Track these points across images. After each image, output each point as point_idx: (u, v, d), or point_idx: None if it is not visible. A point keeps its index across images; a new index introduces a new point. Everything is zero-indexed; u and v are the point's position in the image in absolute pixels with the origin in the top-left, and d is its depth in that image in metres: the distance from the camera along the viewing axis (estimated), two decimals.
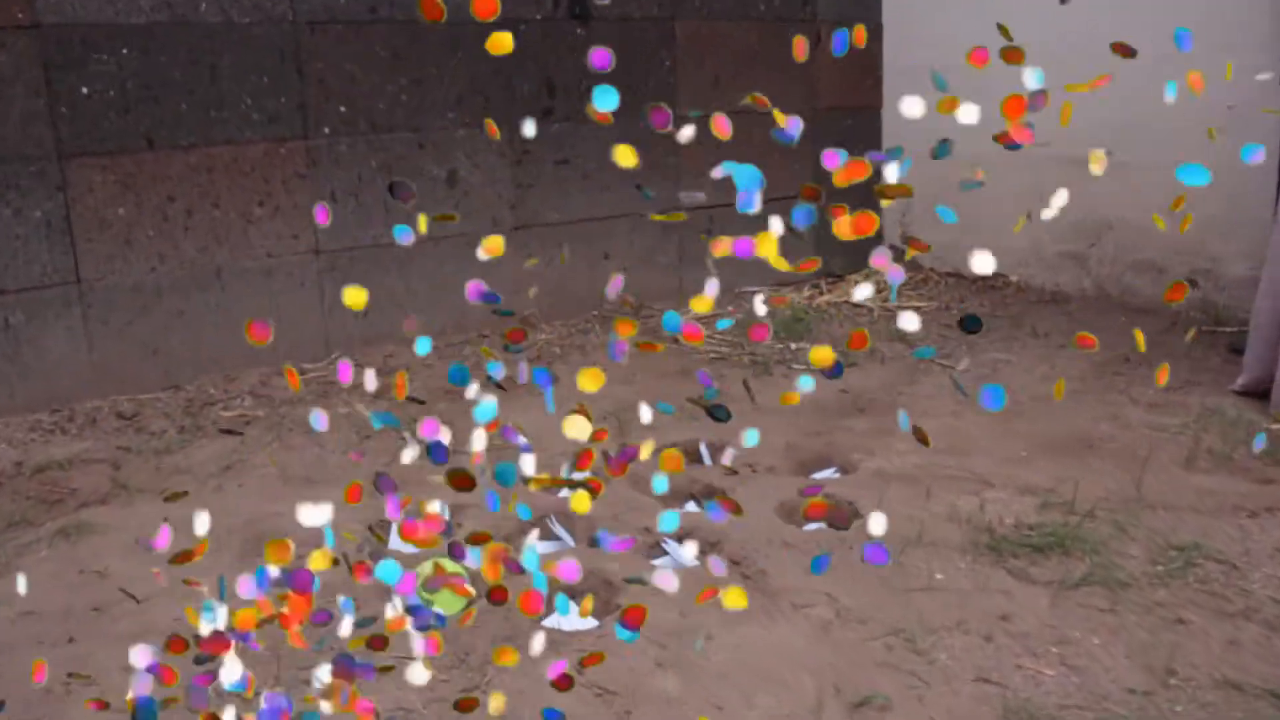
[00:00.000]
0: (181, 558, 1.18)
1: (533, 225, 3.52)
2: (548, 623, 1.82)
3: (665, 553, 2.08)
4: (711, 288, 1.05)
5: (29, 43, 2.68)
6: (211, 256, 2.99)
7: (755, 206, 1.01)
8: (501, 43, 1.02)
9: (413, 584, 1.21)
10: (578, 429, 1.07)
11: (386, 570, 1.13)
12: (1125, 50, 1.02)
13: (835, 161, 0.99)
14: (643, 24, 3.66)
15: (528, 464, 1.17)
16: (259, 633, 1.14)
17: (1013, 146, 1.02)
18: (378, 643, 1.18)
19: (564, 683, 1.19)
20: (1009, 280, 4.12)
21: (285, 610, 1.11)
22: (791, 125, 1.02)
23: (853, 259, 4.20)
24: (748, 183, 1.09)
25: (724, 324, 1.39)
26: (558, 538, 2.14)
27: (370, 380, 1.14)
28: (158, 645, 1.13)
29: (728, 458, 1.22)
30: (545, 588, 1.14)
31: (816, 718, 1.56)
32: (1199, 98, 1.09)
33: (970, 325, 1.12)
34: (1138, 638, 1.72)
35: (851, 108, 4.22)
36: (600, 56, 1.02)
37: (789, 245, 0.99)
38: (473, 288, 1.14)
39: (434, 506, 1.17)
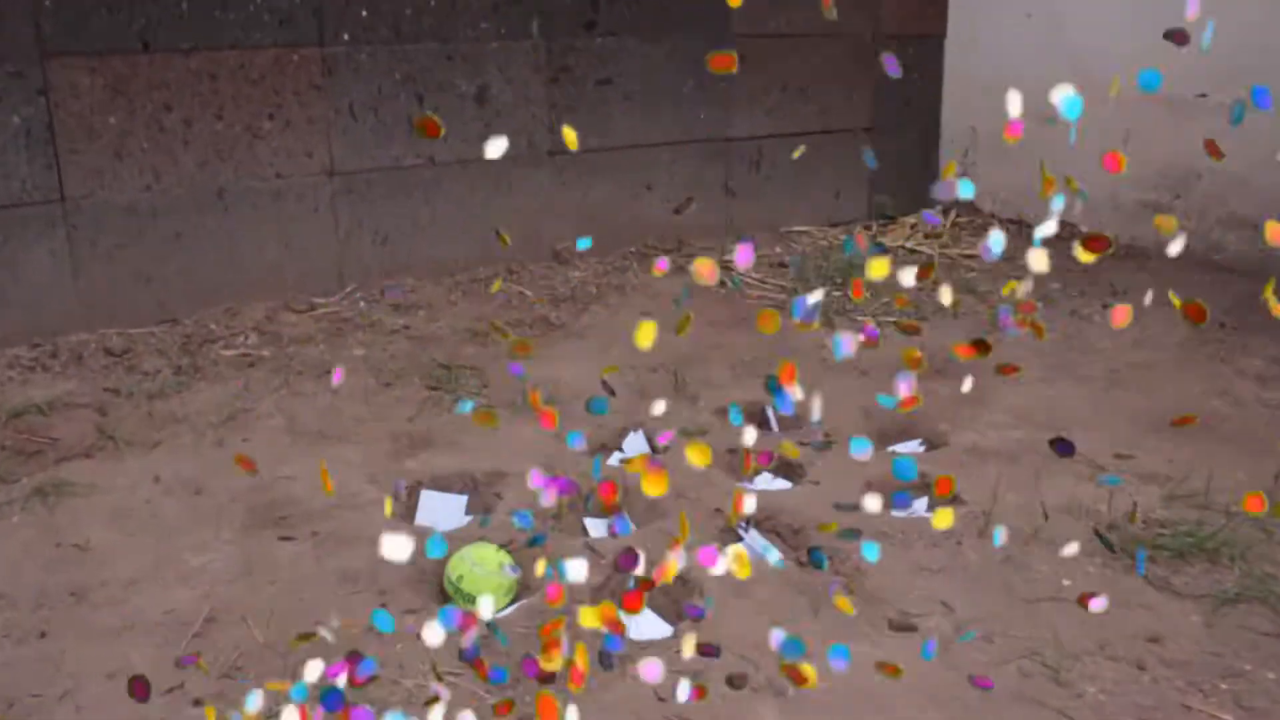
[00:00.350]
0: None
1: (569, 151, 3.18)
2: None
3: (739, 538, 1.79)
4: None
5: None
6: (213, 174, 2.66)
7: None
8: None
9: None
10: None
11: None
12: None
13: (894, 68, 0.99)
14: None
15: None
16: None
17: None
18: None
19: None
20: (1079, 231, 3.79)
21: None
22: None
23: (905, 200, 3.87)
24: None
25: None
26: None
27: None
28: None
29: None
30: None
31: None
32: None
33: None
34: None
35: (915, 35, 3.85)
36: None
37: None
38: None
39: None
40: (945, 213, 3.92)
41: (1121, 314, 0.97)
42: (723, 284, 3.23)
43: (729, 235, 3.55)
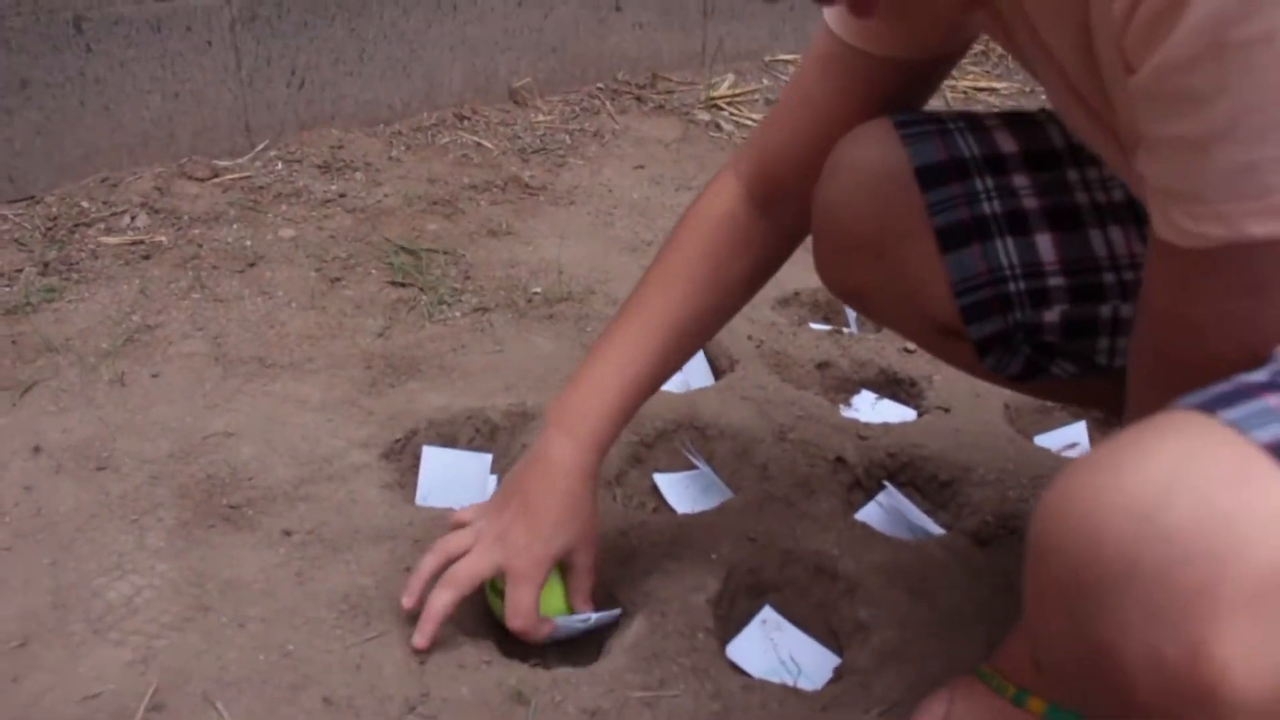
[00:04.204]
0: None
1: None
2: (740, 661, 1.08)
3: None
4: None
5: None
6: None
7: None
8: None
9: None
10: None
11: None
12: None
13: None
14: None
15: None
16: None
17: None
18: None
19: None
20: None
21: None
22: None
23: None
24: None
25: None
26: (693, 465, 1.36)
27: None
28: None
29: None
30: None
31: None
32: None
33: None
34: None
35: None
36: None
37: None
38: None
39: None
40: None
41: None
42: (717, 125, 2.68)
43: (708, 66, 2.97)
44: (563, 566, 1.04)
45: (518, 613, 0.99)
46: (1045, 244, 0.92)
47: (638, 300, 1.05)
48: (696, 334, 1.08)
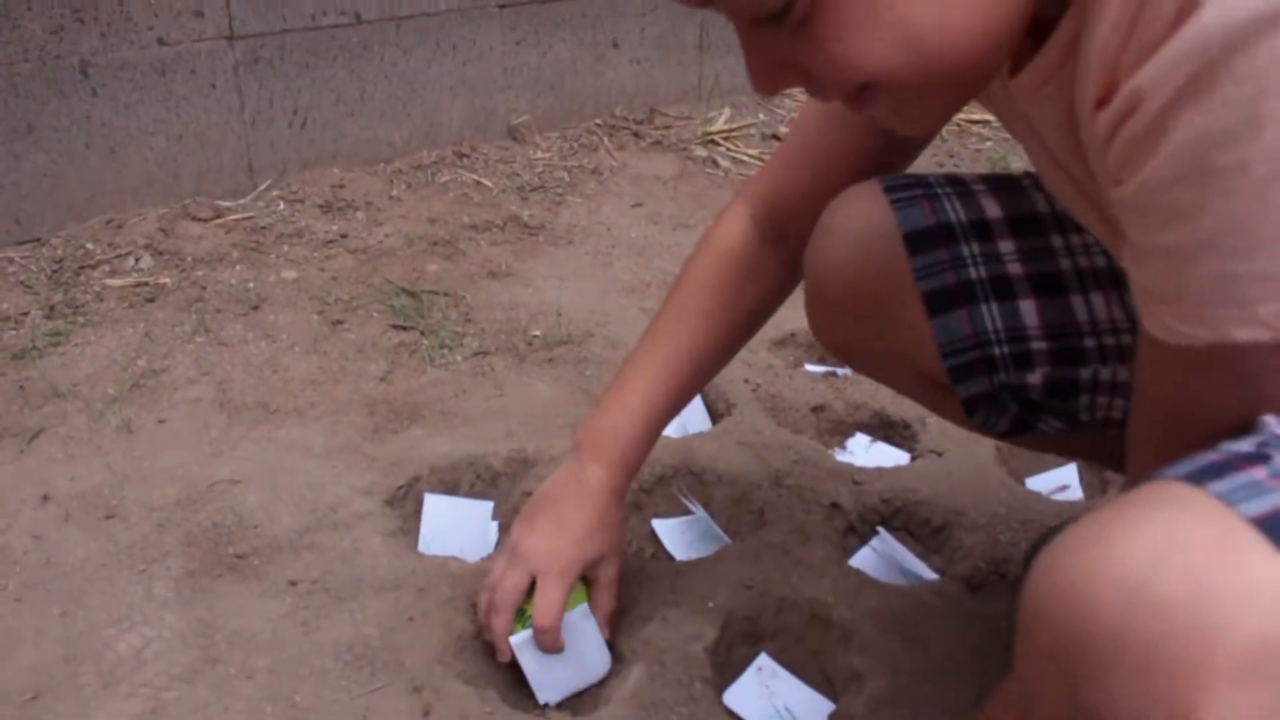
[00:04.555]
0: None
1: (525, 1, 2.57)
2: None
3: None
4: None
5: None
6: (73, 43, 2.00)
7: None
8: None
9: None
10: None
11: None
12: None
13: None
14: None
15: None
16: None
17: None
18: None
19: None
20: None
21: None
22: None
23: None
24: None
25: None
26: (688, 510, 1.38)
27: None
28: None
29: None
30: None
31: None
32: None
33: None
34: None
35: None
36: None
37: None
38: None
39: None
40: None
41: None
42: (714, 161, 2.71)
43: (705, 101, 3.01)
44: (586, 581, 1.08)
45: (546, 610, 1.03)
46: (1029, 309, 0.95)
47: (660, 326, 1.10)
48: (715, 359, 1.13)
